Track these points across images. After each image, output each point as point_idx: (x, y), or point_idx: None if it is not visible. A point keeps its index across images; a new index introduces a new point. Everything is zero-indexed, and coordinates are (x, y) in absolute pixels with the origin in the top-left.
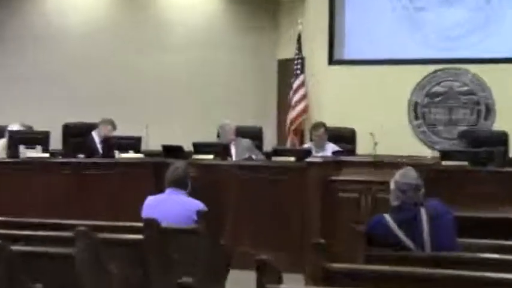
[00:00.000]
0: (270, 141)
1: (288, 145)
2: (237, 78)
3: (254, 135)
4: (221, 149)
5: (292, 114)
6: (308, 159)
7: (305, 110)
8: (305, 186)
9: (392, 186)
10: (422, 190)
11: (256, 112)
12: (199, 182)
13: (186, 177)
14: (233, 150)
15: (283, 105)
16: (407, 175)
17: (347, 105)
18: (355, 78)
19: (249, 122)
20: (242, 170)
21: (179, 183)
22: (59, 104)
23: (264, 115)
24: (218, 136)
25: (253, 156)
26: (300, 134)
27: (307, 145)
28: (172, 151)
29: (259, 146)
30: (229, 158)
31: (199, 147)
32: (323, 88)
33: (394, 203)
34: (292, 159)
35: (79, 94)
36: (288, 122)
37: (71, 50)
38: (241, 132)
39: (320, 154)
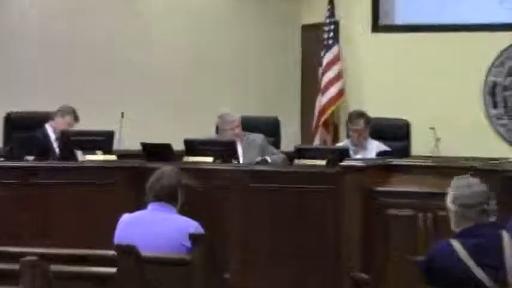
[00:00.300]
0: (290, 138)
1: (317, 143)
2: (244, 55)
3: (268, 129)
4: (223, 149)
5: (322, 100)
6: (344, 163)
7: (340, 94)
8: (340, 200)
9: (451, 202)
10: (494, 205)
11: (272, 99)
12: (194, 194)
13: (175, 188)
14: (240, 150)
15: (309, 88)
16: (471, 185)
17: (398, 88)
18: (408, 50)
19: (262, 111)
20: (253, 177)
21: (166, 196)
22: None
23: (282, 102)
24: (217, 131)
25: (268, 159)
26: (332, 127)
27: (342, 143)
28: (156, 151)
29: (275, 144)
30: (234, 161)
31: (194, 146)
32: (364, 64)
33: (463, 225)
34: (321, 162)
35: (26, 75)
36: (317, 111)
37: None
38: (251, 125)
39: (360, 155)
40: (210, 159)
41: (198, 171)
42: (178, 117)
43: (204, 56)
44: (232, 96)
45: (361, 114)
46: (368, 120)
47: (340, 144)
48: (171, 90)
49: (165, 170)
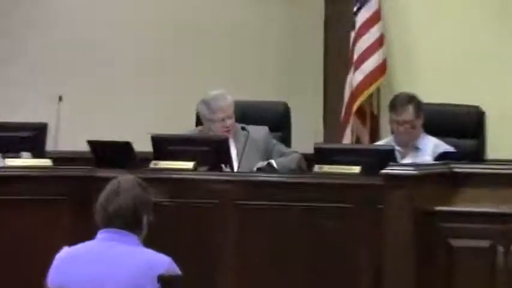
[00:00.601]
0: (307, 134)
1: (347, 141)
2: (238, 11)
3: (273, 120)
4: (210, 150)
5: (355, 78)
6: (387, 170)
7: (381, 70)
8: (380, 225)
9: None
10: None
11: (279, 76)
12: (165, 217)
13: (137, 208)
14: (234, 152)
15: (335, 61)
16: None
17: (465, 62)
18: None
19: (264, 94)
20: (252, 192)
21: (124, 221)
22: None
23: (295, 81)
24: (198, 123)
25: (274, 164)
26: (370, 118)
27: (384, 141)
28: (110, 153)
29: (284, 141)
30: (225, 168)
31: (167, 146)
32: (416, 26)
33: None
34: (353, 169)
35: None
36: (347, 93)
37: None
38: (247, 115)
39: (411, 159)
40: (189, 164)
41: (172, 183)
42: (143, 103)
43: (186, 18)
44: (221, 72)
45: (410, 99)
46: (420, 107)
47: (380, 143)
48: (133, 63)
49: (122, 181)
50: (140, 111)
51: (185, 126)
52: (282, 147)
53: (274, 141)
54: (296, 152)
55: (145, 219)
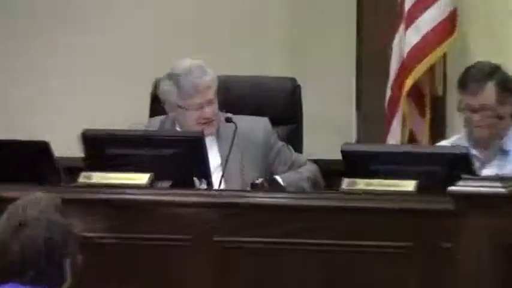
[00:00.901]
0: (330, 127)
1: (393, 140)
2: None
3: (275, 107)
4: (176, 155)
5: (407, 39)
6: (458, 186)
7: (449, 28)
8: (450, 268)
9: None
10: None
11: (287, 38)
12: (108, 261)
13: (54, 249)
14: (215, 157)
15: (372, 12)
16: None
17: None
18: None
19: (261, 67)
20: (240, 222)
21: (33, 271)
22: None
23: (310, 48)
24: (153, 112)
25: (279, 180)
26: (430, 103)
27: (452, 139)
28: (16, 160)
29: (293, 140)
30: (199, 183)
31: (106, 149)
32: None
33: None
34: (406, 185)
35: None
36: (395, 64)
37: None
38: (237, 98)
39: (495, 169)
40: (142, 178)
41: (115, 208)
42: (72, 83)
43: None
44: (194, 34)
45: (491, 72)
46: (509, 86)
47: (446, 143)
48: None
49: (29, 206)
50: (68, 95)
51: (136, 117)
52: (289, 154)
53: (279, 143)
54: (308, 160)
55: (67, 264)
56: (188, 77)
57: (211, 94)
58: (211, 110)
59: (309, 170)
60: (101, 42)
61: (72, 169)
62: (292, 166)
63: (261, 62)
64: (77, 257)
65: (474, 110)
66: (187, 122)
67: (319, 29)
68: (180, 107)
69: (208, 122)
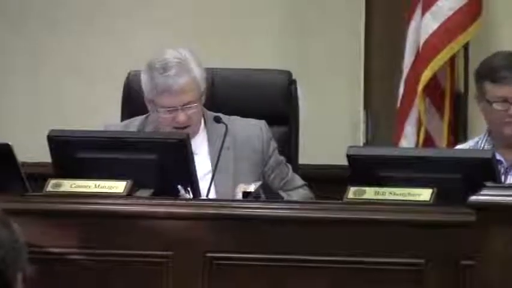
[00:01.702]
0: (334, 127)
1: (407, 142)
2: None
3: (266, 104)
4: (157, 159)
5: (425, 27)
6: (481, 196)
7: (472, 14)
8: (472, 284)
9: None
10: None
11: (286, 22)
12: (81, 281)
13: (3, 266)
14: (203, 162)
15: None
16: None
17: None
18: None
19: (262, 63)
20: (232, 235)
21: None
22: None
23: (307, 40)
24: (125, 114)
25: (284, 194)
26: (451, 101)
27: (473, 142)
28: None
29: (286, 144)
30: (184, 191)
31: (77, 152)
32: None
33: None
34: (421, 194)
35: None
36: (409, 55)
37: None
38: (225, 94)
39: None
40: (119, 186)
41: (88, 221)
42: (38, 82)
43: None
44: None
45: None
46: None
47: (465, 146)
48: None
49: None
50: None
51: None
52: (286, 170)
53: (280, 157)
54: (305, 185)
55: (19, 279)
56: (163, 74)
57: (187, 98)
58: (184, 117)
59: (300, 196)
60: (70, 41)
61: (38, 176)
62: (285, 186)
63: (257, 55)
64: (26, 270)
65: (500, 104)
66: (160, 124)
67: (322, 19)
68: (153, 103)
69: (181, 128)
